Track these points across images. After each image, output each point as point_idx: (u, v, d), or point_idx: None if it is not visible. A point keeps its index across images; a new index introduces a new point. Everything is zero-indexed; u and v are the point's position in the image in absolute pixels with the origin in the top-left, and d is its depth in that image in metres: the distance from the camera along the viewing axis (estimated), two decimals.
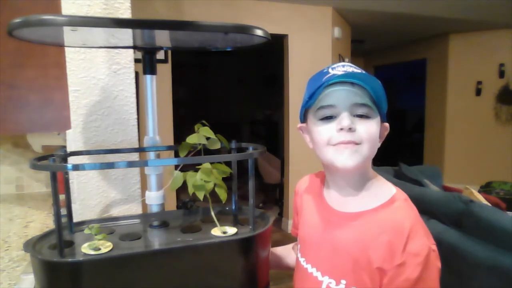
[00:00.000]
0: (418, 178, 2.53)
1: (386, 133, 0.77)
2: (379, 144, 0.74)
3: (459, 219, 1.74)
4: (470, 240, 1.68)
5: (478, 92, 5.08)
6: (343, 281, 0.71)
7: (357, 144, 0.69)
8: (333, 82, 0.70)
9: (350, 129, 0.69)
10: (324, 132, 0.72)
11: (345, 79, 0.70)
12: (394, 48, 6.19)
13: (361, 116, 0.70)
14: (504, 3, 3.71)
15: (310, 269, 0.78)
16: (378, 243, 0.68)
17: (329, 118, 0.71)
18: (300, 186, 0.94)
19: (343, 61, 4.35)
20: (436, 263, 0.66)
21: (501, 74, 4.93)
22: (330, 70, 0.73)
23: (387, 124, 0.77)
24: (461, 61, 5.13)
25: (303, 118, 0.80)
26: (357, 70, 0.72)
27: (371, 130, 0.70)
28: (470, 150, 5.16)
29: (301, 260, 0.82)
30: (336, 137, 0.70)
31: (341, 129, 0.69)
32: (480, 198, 2.26)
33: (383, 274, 0.67)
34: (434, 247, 0.67)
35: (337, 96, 0.70)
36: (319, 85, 0.71)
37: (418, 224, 0.69)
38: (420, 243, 0.66)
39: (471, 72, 5.08)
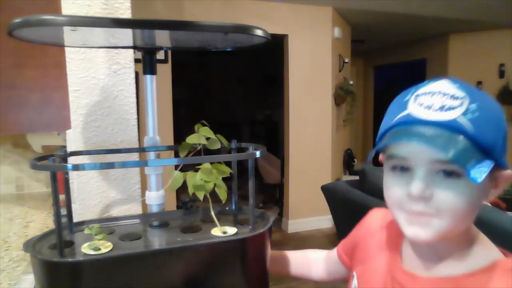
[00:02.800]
0: None
1: (504, 184, 0.55)
2: (482, 205, 0.54)
3: None
4: None
5: None
6: None
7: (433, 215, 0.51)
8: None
9: (423, 197, 0.51)
10: (394, 189, 0.55)
11: (424, 126, 0.50)
12: (394, 48, 6.20)
13: (448, 174, 0.50)
14: (504, 3, 3.71)
15: None
16: None
17: (403, 170, 0.54)
18: (373, 223, 0.78)
19: (344, 62, 4.34)
20: None
21: (501, 74, 4.93)
22: (411, 102, 0.53)
23: (508, 172, 0.54)
24: (461, 61, 5.13)
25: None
26: (453, 102, 0.50)
27: (456, 199, 0.50)
28: None
29: None
30: (406, 202, 0.53)
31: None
32: None
33: None
34: None
35: (411, 147, 0.52)
36: (389, 126, 0.55)
37: None
38: None
39: (471, 72, 5.08)
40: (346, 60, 4.41)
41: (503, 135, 0.51)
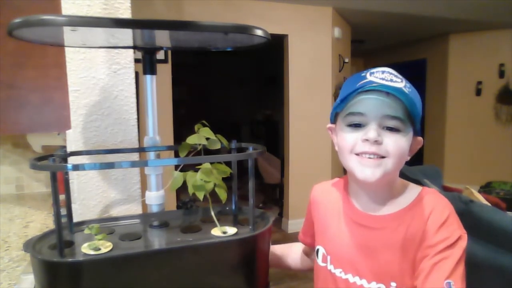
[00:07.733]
0: (418, 178, 2.53)
1: (418, 147, 0.75)
2: (407, 158, 0.73)
3: (459, 219, 1.74)
4: (470, 240, 1.67)
5: (478, 92, 5.08)
6: (393, 284, 0.71)
7: (382, 157, 0.68)
8: (367, 90, 0.68)
9: (376, 142, 0.68)
10: (349, 139, 0.71)
11: (380, 89, 0.67)
12: (394, 48, 6.19)
13: (391, 129, 0.68)
14: (504, 3, 3.71)
15: (352, 278, 0.76)
16: (419, 232, 0.69)
17: (357, 126, 0.70)
18: (316, 195, 0.90)
19: (344, 62, 4.35)
20: (462, 247, 0.69)
21: (501, 74, 4.93)
22: (368, 75, 0.70)
23: (420, 139, 0.75)
24: (461, 61, 5.13)
25: (334, 119, 0.79)
26: (397, 79, 0.69)
27: (399, 144, 0.69)
28: (470, 150, 5.16)
29: (337, 271, 0.79)
30: (360, 146, 0.69)
31: (366, 140, 0.68)
32: (480, 198, 2.26)
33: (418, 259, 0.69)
34: (465, 235, 0.70)
35: (368, 104, 0.68)
36: (352, 90, 0.69)
37: (454, 214, 0.72)
38: (452, 228, 0.69)
39: (471, 72, 5.08)
40: (346, 60, 4.41)
41: (419, 114, 0.72)
